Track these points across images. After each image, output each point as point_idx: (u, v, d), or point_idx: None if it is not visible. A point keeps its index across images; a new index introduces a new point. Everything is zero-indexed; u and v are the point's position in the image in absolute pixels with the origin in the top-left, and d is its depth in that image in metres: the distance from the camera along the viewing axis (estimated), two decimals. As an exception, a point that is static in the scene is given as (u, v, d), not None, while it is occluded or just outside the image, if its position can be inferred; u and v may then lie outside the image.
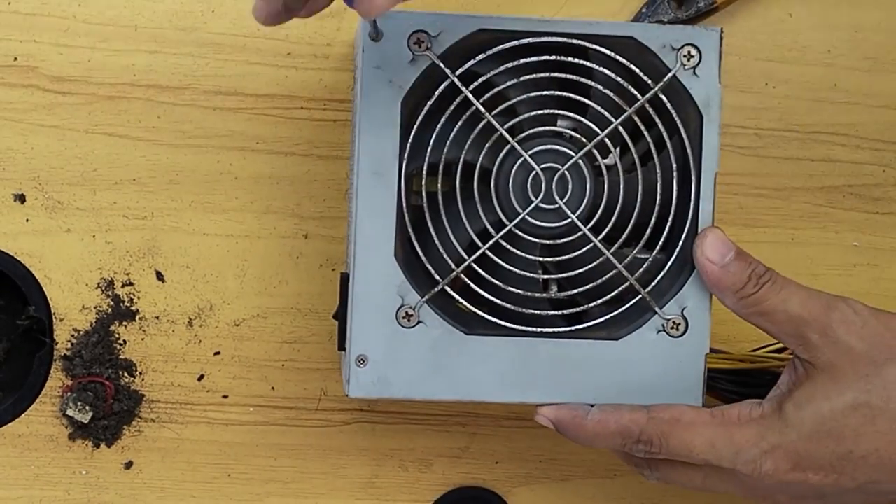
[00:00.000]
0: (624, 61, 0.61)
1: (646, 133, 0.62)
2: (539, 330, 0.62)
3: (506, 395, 0.63)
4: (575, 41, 0.61)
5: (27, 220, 0.71)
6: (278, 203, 0.71)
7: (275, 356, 0.72)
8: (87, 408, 0.71)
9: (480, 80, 0.61)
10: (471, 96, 0.61)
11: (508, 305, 0.62)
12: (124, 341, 0.71)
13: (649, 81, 0.62)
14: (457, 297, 0.62)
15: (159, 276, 0.71)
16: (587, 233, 0.62)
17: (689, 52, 0.62)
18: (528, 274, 0.62)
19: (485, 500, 0.73)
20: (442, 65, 0.61)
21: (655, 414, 0.60)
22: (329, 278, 0.72)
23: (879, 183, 0.73)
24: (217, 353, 0.72)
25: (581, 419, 0.62)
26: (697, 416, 0.60)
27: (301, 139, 0.71)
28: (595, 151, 0.62)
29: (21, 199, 0.71)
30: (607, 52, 0.61)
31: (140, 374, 0.72)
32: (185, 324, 0.72)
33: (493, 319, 0.62)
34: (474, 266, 0.62)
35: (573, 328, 0.63)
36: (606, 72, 0.61)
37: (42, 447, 0.71)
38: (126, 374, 0.71)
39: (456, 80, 0.61)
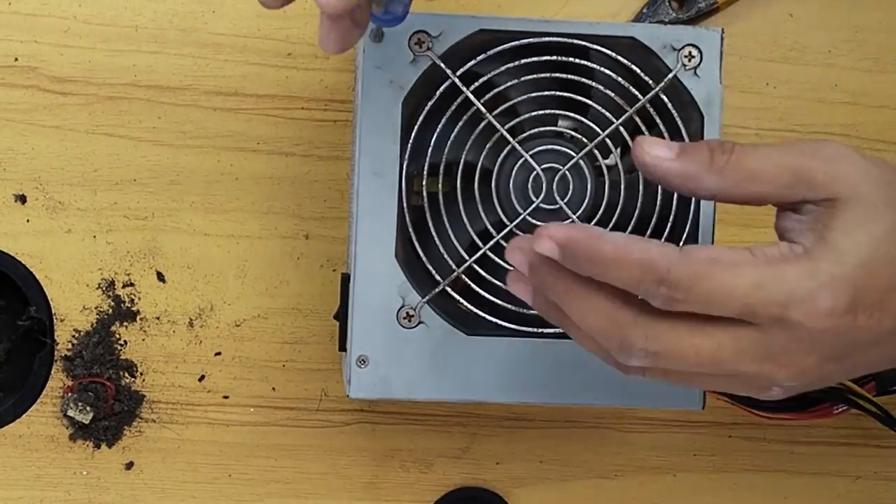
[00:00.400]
0: (625, 61, 0.61)
1: (647, 133, 0.62)
2: (540, 330, 0.62)
3: (507, 395, 0.63)
4: (576, 41, 0.62)
5: (28, 221, 0.71)
6: (279, 204, 0.71)
7: (275, 357, 0.72)
8: (88, 408, 0.71)
9: (481, 81, 0.61)
10: (472, 96, 0.61)
11: (509, 306, 0.62)
12: (125, 342, 0.71)
13: (650, 82, 0.62)
14: (458, 297, 0.62)
15: (160, 277, 0.71)
16: None
17: (689, 53, 0.62)
18: None
19: (485, 500, 0.73)
20: (443, 65, 0.61)
21: (691, 252, 0.50)
22: (330, 279, 0.72)
23: (880, 183, 0.73)
24: (218, 354, 0.72)
25: (597, 240, 0.51)
26: (739, 256, 0.50)
27: (302, 140, 0.71)
28: (596, 152, 0.62)
29: (22, 199, 0.71)
30: (608, 52, 0.61)
31: (141, 374, 0.72)
32: (185, 324, 0.72)
33: (494, 320, 0.62)
34: (475, 266, 0.62)
35: None
36: (607, 72, 0.61)
37: (43, 448, 0.71)
38: (127, 375, 0.71)
39: (457, 80, 0.61)
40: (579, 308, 0.52)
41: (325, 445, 0.73)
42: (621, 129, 0.61)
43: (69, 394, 0.71)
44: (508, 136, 0.61)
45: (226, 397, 0.72)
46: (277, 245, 0.72)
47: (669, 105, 0.62)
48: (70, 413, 0.71)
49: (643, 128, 0.62)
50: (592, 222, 0.62)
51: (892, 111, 0.73)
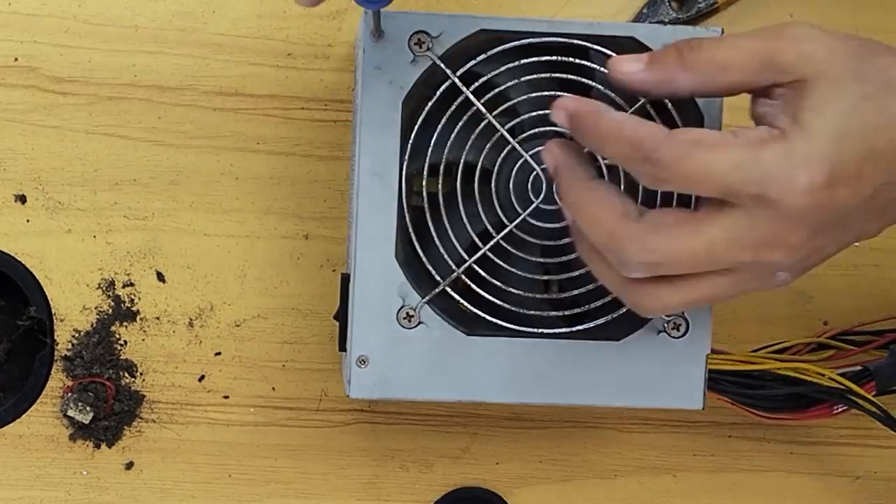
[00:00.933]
0: None
1: None
2: (540, 331, 0.62)
3: (506, 395, 0.63)
4: (576, 41, 0.61)
5: (28, 221, 0.71)
6: (279, 204, 0.71)
7: (275, 357, 0.72)
8: (88, 408, 0.71)
9: (481, 81, 0.61)
10: (472, 97, 0.61)
11: (509, 306, 0.62)
12: (125, 342, 0.71)
13: None
14: (458, 297, 0.62)
15: (160, 277, 0.71)
16: None
17: None
18: (528, 275, 0.62)
19: (485, 500, 0.73)
20: (442, 65, 0.61)
21: (677, 133, 0.53)
22: (330, 279, 0.72)
23: (880, 183, 0.73)
24: (218, 354, 0.72)
25: (599, 114, 0.55)
26: (721, 138, 0.53)
27: (302, 140, 0.71)
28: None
29: (22, 199, 0.71)
30: (608, 52, 0.61)
31: (141, 374, 0.72)
32: (185, 324, 0.72)
33: (494, 320, 0.62)
34: (475, 267, 0.62)
35: (574, 329, 0.63)
36: (607, 72, 0.61)
37: (42, 448, 0.71)
38: (127, 375, 0.71)
39: (457, 80, 0.61)
40: (585, 218, 0.55)
41: (325, 445, 0.73)
42: None
43: (69, 394, 0.71)
44: (508, 137, 0.61)
45: (226, 397, 0.72)
46: (277, 245, 0.72)
47: (669, 105, 0.62)
48: (70, 413, 0.71)
49: None
50: None
51: (892, 111, 0.73)
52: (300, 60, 0.71)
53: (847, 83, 0.53)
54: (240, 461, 0.72)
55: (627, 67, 0.56)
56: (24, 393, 0.71)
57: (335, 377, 0.72)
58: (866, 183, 0.53)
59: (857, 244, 0.73)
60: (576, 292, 0.63)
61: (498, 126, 0.61)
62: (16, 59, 0.70)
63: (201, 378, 0.72)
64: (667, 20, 0.71)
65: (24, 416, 0.71)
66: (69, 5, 0.70)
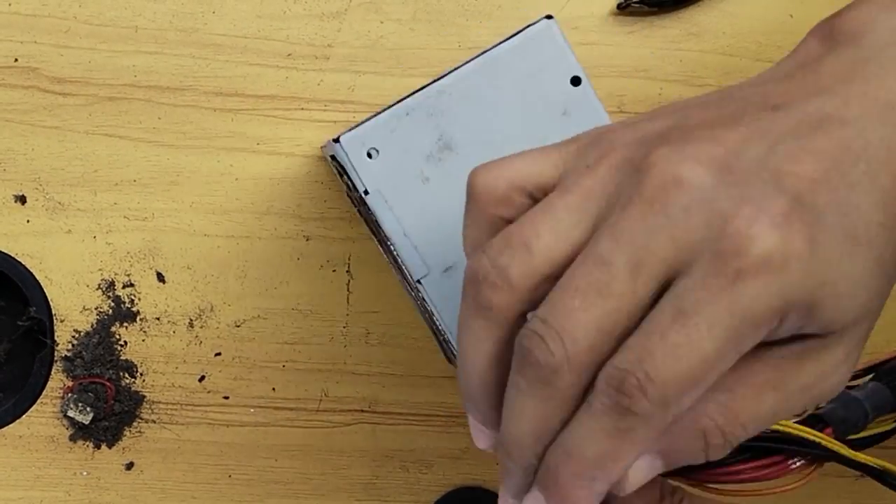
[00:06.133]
0: None
1: None
2: None
3: None
4: None
5: (28, 221, 0.71)
6: (279, 204, 0.71)
7: (276, 357, 0.72)
8: (88, 409, 0.71)
9: None
10: None
11: None
12: (125, 342, 0.71)
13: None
14: None
15: (160, 277, 0.71)
16: None
17: None
18: None
19: (486, 500, 0.73)
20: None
21: None
22: (330, 279, 0.72)
23: (880, 183, 0.73)
24: (218, 354, 0.72)
25: None
26: None
27: (302, 140, 0.71)
28: None
29: (22, 200, 0.71)
30: None
31: (141, 375, 0.72)
32: (185, 325, 0.72)
33: None
34: None
35: None
36: None
37: (43, 448, 0.71)
38: (127, 375, 0.71)
39: None
40: None
41: (325, 446, 0.73)
42: None
43: (69, 394, 0.71)
44: None
45: (226, 398, 0.72)
46: (277, 245, 0.72)
47: None
48: (70, 413, 0.71)
49: None
50: None
51: (891, 111, 0.73)
52: (300, 61, 0.71)
53: None
54: (240, 462, 0.72)
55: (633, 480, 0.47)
56: (24, 393, 0.71)
57: (335, 377, 0.72)
58: None
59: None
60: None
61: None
62: (16, 60, 0.70)
63: (201, 378, 0.72)
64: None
65: (24, 416, 0.71)
66: (69, 5, 0.70)
